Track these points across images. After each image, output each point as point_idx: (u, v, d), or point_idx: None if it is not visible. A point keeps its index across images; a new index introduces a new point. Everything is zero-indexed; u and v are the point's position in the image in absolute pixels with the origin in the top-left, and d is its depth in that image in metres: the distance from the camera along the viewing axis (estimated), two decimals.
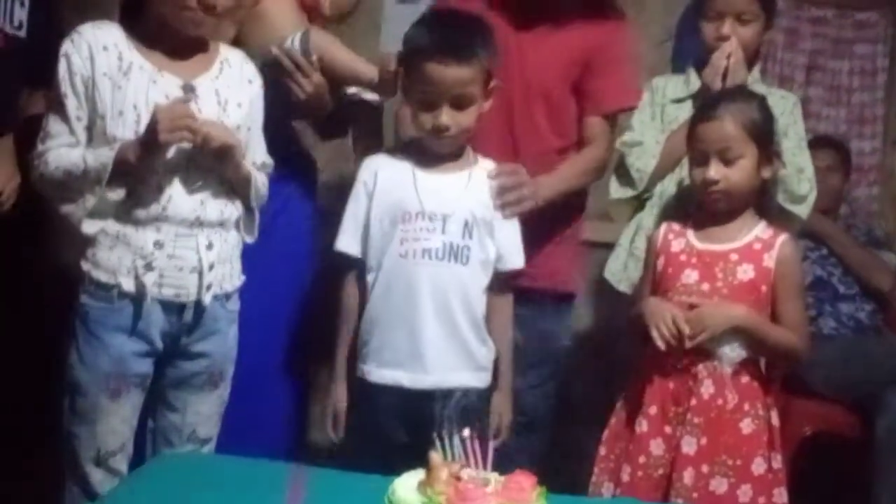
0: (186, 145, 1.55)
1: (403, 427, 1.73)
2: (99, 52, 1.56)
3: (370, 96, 2.02)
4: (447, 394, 1.72)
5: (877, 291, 2.69)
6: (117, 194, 1.55)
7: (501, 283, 1.81)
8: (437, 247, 1.72)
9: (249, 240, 1.71)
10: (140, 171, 1.54)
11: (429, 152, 1.77)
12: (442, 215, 1.72)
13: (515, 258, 1.81)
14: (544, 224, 1.94)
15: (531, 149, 1.99)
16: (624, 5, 2.91)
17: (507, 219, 1.78)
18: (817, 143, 2.66)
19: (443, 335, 1.73)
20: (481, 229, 1.76)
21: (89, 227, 1.55)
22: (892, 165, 3.10)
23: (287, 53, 1.85)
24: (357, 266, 1.78)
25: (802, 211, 2.06)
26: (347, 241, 1.78)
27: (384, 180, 1.77)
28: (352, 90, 2.00)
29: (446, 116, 1.69)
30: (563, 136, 2.03)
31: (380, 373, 1.74)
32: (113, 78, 1.55)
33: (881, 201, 3.08)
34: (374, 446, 1.72)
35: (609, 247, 2.30)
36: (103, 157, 1.52)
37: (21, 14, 1.95)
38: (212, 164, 1.59)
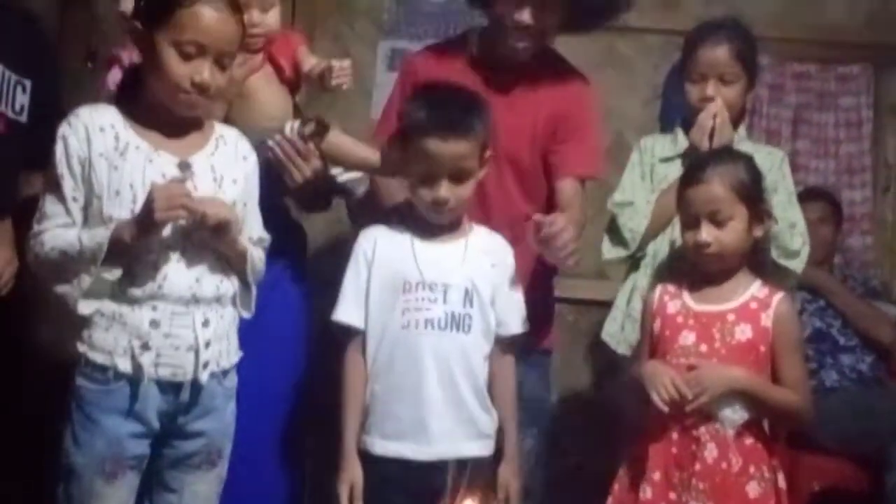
0: (182, 222, 1.56)
1: (408, 499, 1.71)
2: (96, 133, 1.58)
3: (349, 178, 2.03)
4: (452, 464, 1.70)
5: (878, 343, 2.69)
6: (113, 274, 1.55)
7: (503, 348, 1.82)
8: (439, 316, 1.73)
9: (246, 315, 1.70)
10: (136, 249, 1.55)
11: (427, 223, 1.79)
12: (443, 285, 1.75)
13: (516, 323, 1.83)
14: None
15: (502, 213, 2.02)
16: (611, 65, 3.03)
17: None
18: (807, 196, 2.69)
19: (447, 405, 1.73)
20: (481, 297, 1.77)
21: (85, 307, 1.55)
22: (884, 214, 3.13)
23: (286, 140, 1.87)
24: (358, 337, 1.78)
25: (797, 266, 2.07)
26: (349, 312, 1.78)
27: (383, 251, 1.79)
28: (335, 171, 2.01)
29: (445, 190, 1.73)
30: (534, 202, 2.05)
31: (383, 445, 1.74)
32: (109, 158, 1.57)
33: (875, 250, 3.09)
34: None
35: (605, 305, 2.30)
36: (99, 237, 1.52)
37: (23, 99, 1.98)
38: (208, 241, 1.60)
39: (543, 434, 2.09)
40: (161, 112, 1.62)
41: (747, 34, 2.14)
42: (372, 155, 1.92)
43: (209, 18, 1.57)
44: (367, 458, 1.75)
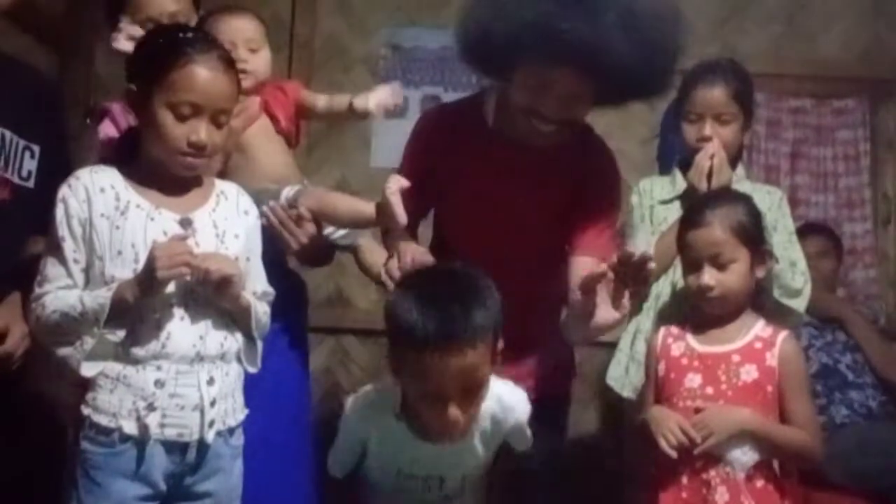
0: (186, 279, 1.56)
1: None
2: (96, 194, 1.59)
3: (341, 234, 2.01)
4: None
5: (892, 385, 2.67)
6: (116, 335, 1.54)
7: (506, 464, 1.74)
8: (433, 499, 1.68)
9: (252, 370, 1.69)
10: (139, 309, 1.55)
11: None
12: (438, 477, 1.66)
13: (523, 445, 1.73)
14: (530, 332, 1.87)
15: (521, 291, 1.78)
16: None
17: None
18: (806, 230, 2.71)
19: None
20: (482, 472, 1.69)
21: (88, 370, 1.54)
22: (885, 247, 3.14)
23: (278, 207, 1.87)
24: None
25: (799, 304, 2.06)
26: (336, 470, 1.74)
27: (379, 443, 1.66)
28: (328, 230, 1.97)
29: (455, 411, 1.48)
30: (553, 280, 1.89)
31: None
32: (110, 218, 1.58)
33: (879, 283, 3.09)
34: None
35: (610, 347, 2.29)
36: (101, 298, 1.52)
37: (31, 164, 1.91)
38: (211, 297, 1.60)
39: (556, 485, 2.01)
40: (160, 170, 1.63)
41: (743, 74, 2.15)
42: (365, 207, 1.82)
43: (203, 78, 1.58)
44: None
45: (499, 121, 1.91)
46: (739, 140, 2.16)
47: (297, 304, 2.07)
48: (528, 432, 1.70)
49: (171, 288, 1.56)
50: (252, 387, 1.72)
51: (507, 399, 1.62)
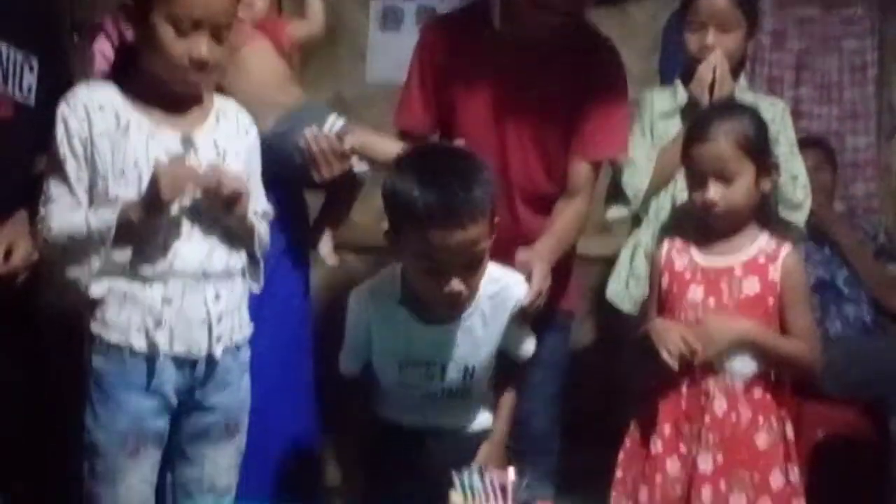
0: (195, 196, 1.56)
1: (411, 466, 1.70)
2: (95, 112, 1.57)
3: (360, 168, 2.01)
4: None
5: (886, 309, 2.69)
6: (123, 255, 1.55)
7: (512, 376, 1.76)
8: (435, 391, 1.69)
9: (256, 289, 1.71)
10: (144, 229, 1.55)
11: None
12: (441, 364, 1.66)
13: (526, 350, 1.75)
14: (531, 234, 1.90)
15: (525, 192, 1.96)
16: (608, 17, 2.98)
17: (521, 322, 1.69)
18: (801, 144, 2.69)
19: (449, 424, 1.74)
20: (486, 361, 1.69)
21: (97, 289, 1.56)
22: (888, 160, 3.11)
23: (324, 139, 1.86)
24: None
25: (799, 218, 2.07)
26: (349, 367, 1.74)
27: (382, 330, 1.67)
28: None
29: (458, 283, 1.51)
30: (557, 182, 1.97)
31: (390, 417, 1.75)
32: (111, 137, 1.56)
33: (880, 197, 3.08)
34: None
35: (608, 261, 2.31)
36: (106, 218, 1.52)
37: (30, 79, 1.84)
38: (217, 215, 1.60)
39: (558, 396, 2.09)
40: (160, 87, 1.60)
41: None
42: (399, 147, 1.83)
43: None
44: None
45: (506, 22, 1.90)
46: (743, 49, 2.12)
47: (298, 224, 2.08)
48: (530, 335, 1.73)
49: (176, 208, 1.56)
50: (256, 308, 1.74)
51: (503, 279, 1.65)
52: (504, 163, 1.93)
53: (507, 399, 1.77)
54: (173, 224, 1.57)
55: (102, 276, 1.55)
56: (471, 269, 1.52)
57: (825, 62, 3.10)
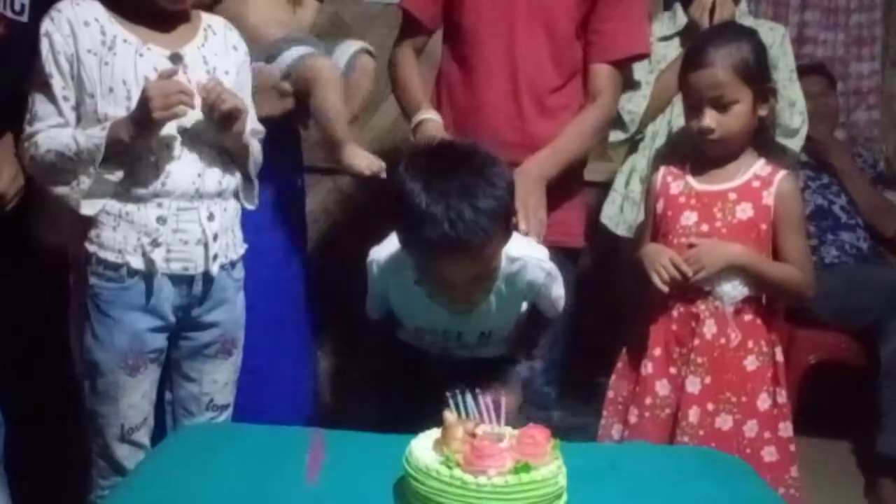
0: (188, 121, 1.54)
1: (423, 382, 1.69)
2: (81, 28, 1.54)
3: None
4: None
5: (881, 234, 2.70)
6: (114, 175, 1.54)
7: (542, 325, 1.74)
8: (450, 347, 1.68)
9: (250, 207, 1.72)
10: (136, 148, 1.54)
11: None
12: (456, 332, 1.65)
13: (556, 310, 1.71)
14: (541, 139, 1.88)
15: (530, 83, 1.91)
16: None
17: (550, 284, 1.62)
18: (803, 71, 2.66)
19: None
20: (503, 327, 1.66)
21: (89, 208, 1.55)
22: (892, 88, 3.07)
23: (265, 73, 1.81)
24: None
25: (796, 144, 2.06)
26: (373, 314, 1.73)
27: (397, 297, 1.65)
28: None
29: (464, 293, 1.52)
30: (564, 74, 1.93)
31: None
32: (98, 54, 1.54)
33: (882, 126, 3.06)
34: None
35: (599, 186, 2.30)
36: (95, 137, 1.51)
37: None
38: (212, 135, 1.59)
39: (559, 361, 2.06)
40: (147, 4, 1.57)
41: None
42: (339, 132, 1.78)
43: None
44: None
45: None
46: None
47: (292, 144, 2.06)
48: (559, 297, 1.67)
49: (167, 127, 1.55)
50: (252, 262, 1.74)
51: (523, 259, 1.57)
52: (511, 51, 1.89)
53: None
54: (164, 144, 1.56)
55: (93, 196, 1.55)
56: (479, 281, 1.49)
57: None
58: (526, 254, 1.57)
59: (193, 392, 1.71)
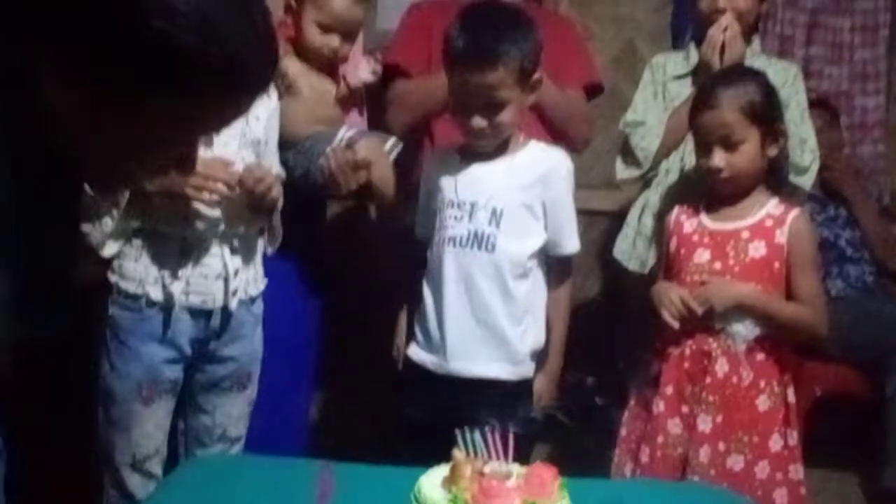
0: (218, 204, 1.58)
1: (431, 409, 1.73)
2: None
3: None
4: (474, 384, 1.72)
5: (886, 267, 2.72)
6: (135, 223, 1.57)
7: (558, 271, 1.81)
8: (461, 234, 1.72)
9: (271, 251, 1.74)
10: (161, 200, 1.55)
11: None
12: (470, 204, 1.73)
13: (570, 243, 1.80)
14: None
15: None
16: None
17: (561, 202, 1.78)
18: (808, 105, 2.69)
19: (469, 323, 1.72)
20: (515, 216, 1.72)
21: (109, 249, 1.57)
22: None
23: (339, 153, 1.85)
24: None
25: (806, 182, 2.08)
26: (420, 231, 1.87)
27: (436, 174, 1.81)
28: None
29: (478, 121, 1.68)
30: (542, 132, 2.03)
31: (416, 352, 1.78)
32: None
33: (887, 158, 3.08)
34: (403, 426, 1.76)
35: (614, 215, 2.31)
36: None
37: None
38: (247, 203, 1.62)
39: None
40: None
41: None
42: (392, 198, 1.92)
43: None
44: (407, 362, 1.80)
45: None
46: (756, 10, 2.11)
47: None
48: (573, 230, 1.80)
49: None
50: (269, 324, 1.77)
51: (549, 158, 1.79)
52: None
53: (558, 303, 1.81)
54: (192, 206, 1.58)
55: (116, 238, 1.57)
56: (492, 109, 1.67)
57: (837, 22, 3.07)
58: (549, 152, 1.81)
59: (206, 424, 1.72)
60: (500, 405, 1.70)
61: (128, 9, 0.70)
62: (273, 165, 1.74)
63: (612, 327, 2.49)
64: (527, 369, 1.77)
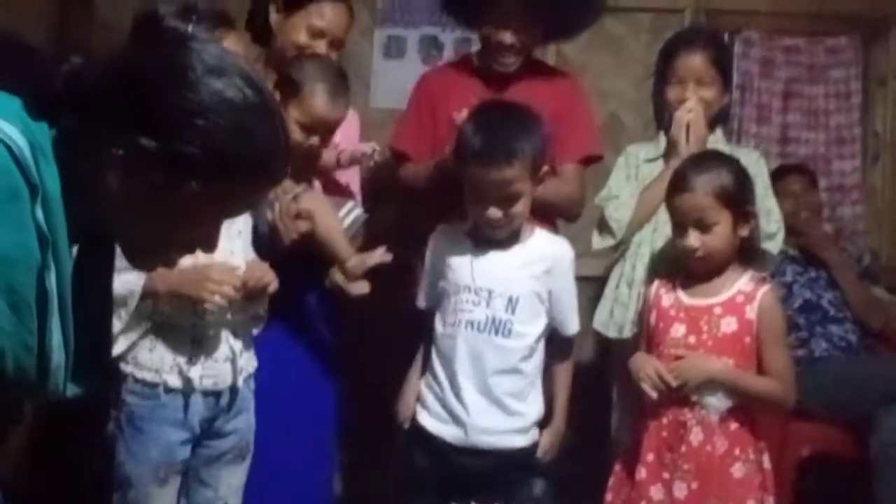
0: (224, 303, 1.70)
1: (448, 476, 1.86)
2: None
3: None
4: (484, 452, 1.85)
5: (868, 327, 2.79)
6: (143, 325, 1.67)
7: (562, 349, 1.95)
8: (479, 319, 1.84)
9: (256, 332, 1.86)
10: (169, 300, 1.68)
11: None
12: (488, 290, 1.85)
13: (573, 324, 1.96)
14: None
15: None
16: (603, 46, 3.09)
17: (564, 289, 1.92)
18: (785, 172, 2.84)
19: (484, 402, 1.85)
20: (527, 303, 1.86)
21: (119, 346, 1.65)
22: (873, 183, 3.21)
23: (285, 200, 1.92)
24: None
25: (773, 247, 2.21)
26: (422, 301, 1.98)
27: (449, 257, 1.91)
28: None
29: (494, 213, 1.80)
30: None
31: (432, 423, 1.89)
32: None
33: (866, 219, 3.18)
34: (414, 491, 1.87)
35: (594, 280, 2.44)
36: (130, 284, 1.62)
37: None
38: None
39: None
40: None
41: (720, 42, 2.34)
42: (346, 252, 1.94)
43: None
44: (418, 430, 1.90)
45: (480, 63, 2.30)
46: (719, 102, 2.27)
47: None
48: (574, 313, 1.94)
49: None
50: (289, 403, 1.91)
51: (554, 247, 1.93)
52: None
53: (562, 378, 1.95)
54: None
55: (126, 334, 1.66)
56: (507, 201, 1.79)
57: (812, 90, 3.21)
58: (555, 242, 1.95)
59: (209, 497, 1.79)
60: (508, 468, 1.86)
61: (182, 117, 0.92)
62: (249, 253, 1.84)
63: (596, 395, 2.56)
64: (533, 435, 1.91)
